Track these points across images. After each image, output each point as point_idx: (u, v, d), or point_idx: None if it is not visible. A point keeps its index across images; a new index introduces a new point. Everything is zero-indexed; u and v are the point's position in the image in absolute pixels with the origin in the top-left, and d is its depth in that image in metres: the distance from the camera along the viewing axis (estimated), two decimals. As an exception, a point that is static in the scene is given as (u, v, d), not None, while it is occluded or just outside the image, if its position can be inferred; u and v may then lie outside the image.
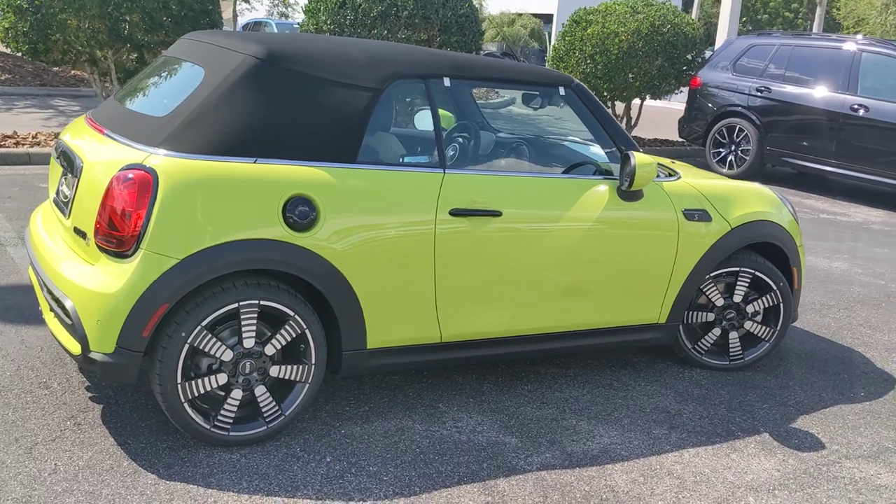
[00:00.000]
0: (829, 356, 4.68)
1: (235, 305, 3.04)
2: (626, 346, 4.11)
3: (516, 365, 4.14)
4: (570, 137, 4.23)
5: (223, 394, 3.13)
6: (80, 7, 8.14)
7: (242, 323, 3.08)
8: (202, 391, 3.07)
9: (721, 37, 14.31)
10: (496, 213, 3.46)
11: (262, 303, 3.08)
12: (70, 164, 3.36)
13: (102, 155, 3.15)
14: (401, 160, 3.39)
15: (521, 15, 33.72)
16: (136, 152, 3.03)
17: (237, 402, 3.14)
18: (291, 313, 3.14)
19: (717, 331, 4.30)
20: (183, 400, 3.03)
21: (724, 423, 3.73)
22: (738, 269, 4.21)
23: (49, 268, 3.23)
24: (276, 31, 24.44)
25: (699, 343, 4.30)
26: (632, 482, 3.16)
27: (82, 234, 3.11)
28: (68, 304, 3.00)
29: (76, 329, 2.98)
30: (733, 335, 4.31)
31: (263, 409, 3.18)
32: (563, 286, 3.70)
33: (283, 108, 3.17)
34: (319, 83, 3.24)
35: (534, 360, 4.21)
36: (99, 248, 3.00)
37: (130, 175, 2.94)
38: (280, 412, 3.22)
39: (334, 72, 3.28)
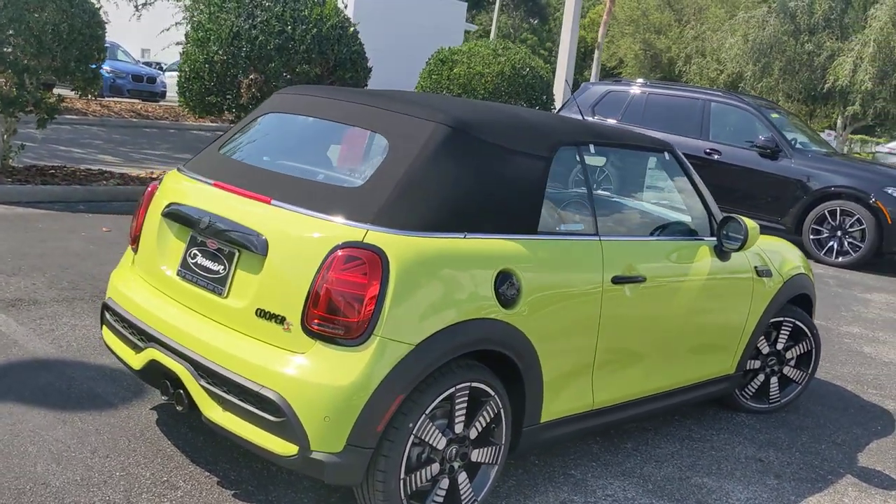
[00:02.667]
0: (824, 391, 5.15)
1: (453, 390, 2.84)
2: (704, 399, 4.29)
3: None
4: (654, 199, 4.38)
5: (431, 485, 2.90)
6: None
7: (456, 407, 2.88)
8: (419, 484, 2.83)
9: (559, 82, 15.16)
10: (643, 279, 3.51)
11: (473, 384, 2.90)
12: (217, 235, 2.97)
13: (294, 230, 2.81)
14: (559, 228, 3.34)
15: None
16: (345, 229, 2.74)
17: (444, 492, 2.93)
18: (492, 393, 2.98)
19: (761, 376, 4.60)
20: (403, 496, 2.78)
21: (808, 468, 4.01)
22: (782, 319, 4.55)
23: (217, 353, 2.82)
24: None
25: (746, 389, 4.59)
26: (797, 536, 3.33)
27: (275, 318, 2.76)
28: (276, 399, 2.65)
29: (291, 427, 2.63)
30: (773, 380, 4.64)
31: (463, 497, 2.99)
32: (684, 345, 3.82)
33: (479, 179, 3.02)
34: (504, 152, 3.12)
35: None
36: (312, 334, 2.68)
37: (357, 255, 2.67)
38: (474, 497, 3.03)
39: (513, 140, 3.18)
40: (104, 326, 3.46)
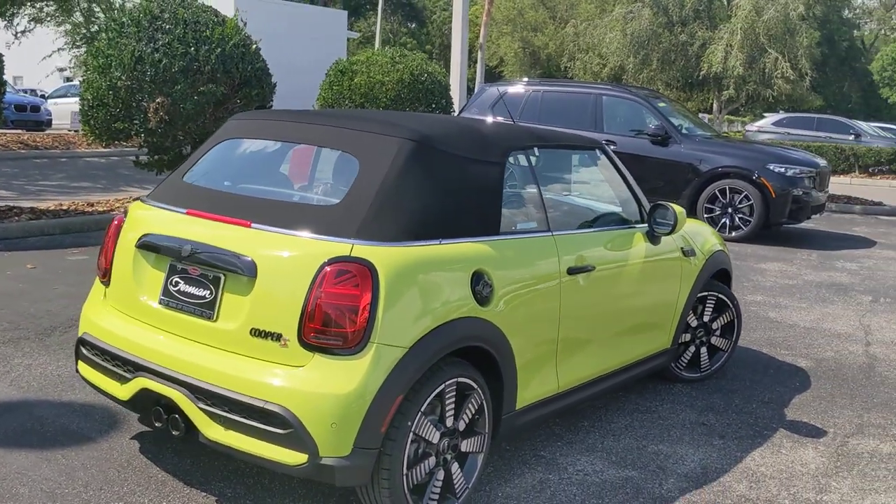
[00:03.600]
0: (745, 356, 5.61)
1: (443, 386, 3.05)
2: (648, 373, 4.63)
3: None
4: (591, 194, 4.69)
5: (428, 477, 3.10)
6: None
7: (446, 402, 3.09)
8: (419, 478, 3.03)
9: (454, 85, 15.48)
10: (592, 268, 3.80)
11: (459, 379, 3.12)
12: (201, 262, 3.07)
13: (280, 250, 2.95)
14: (517, 227, 3.59)
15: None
16: (331, 245, 2.91)
17: (440, 483, 3.13)
18: (475, 386, 3.20)
19: (692, 348, 5.00)
20: (406, 491, 2.96)
21: (746, 427, 4.40)
22: (707, 293, 4.96)
23: (215, 375, 2.93)
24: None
25: (679, 360, 4.97)
26: (749, 488, 3.68)
27: (271, 336, 2.89)
28: (282, 412, 2.79)
29: (299, 437, 2.78)
30: (703, 350, 5.04)
31: (456, 485, 3.20)
32: (629, 325, 4.15)
33: (446, 187, 3.24)
34: (464, 161, 3.35)
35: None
36: (310, 347, 2.84)
37: (347, 269, 2.84)
38: (465, 485, 3.25)
39: (470, 149, 3.41)
40: (80, 361, 3.49)
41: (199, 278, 3.11)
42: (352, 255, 2.87)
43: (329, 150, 3.53)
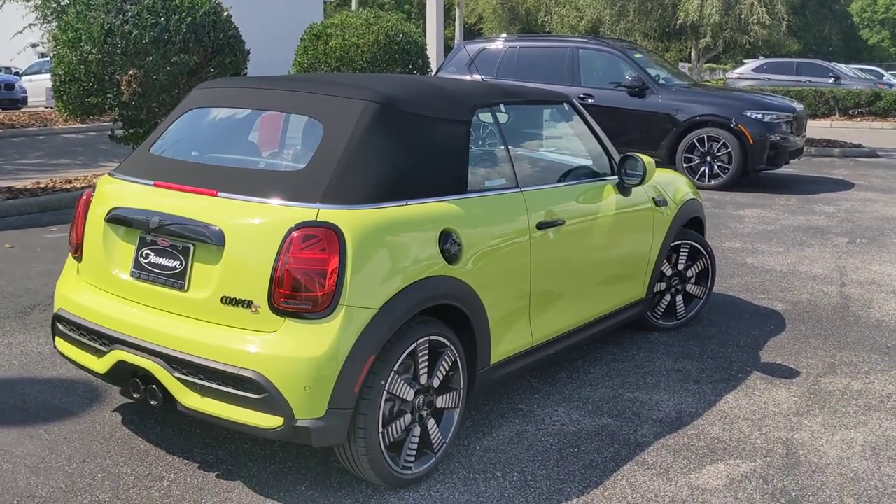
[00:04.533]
0: (721, 302, 5.69)
1: (414, 345, 3.09)
2: (623, 324, 4.69)
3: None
4: (560, 148, 4.70)
5: (405, 434, 3.16)
6: None
7: (419, 360, 3.14)
8: (395, 436, 3.09)
9: (430, 45, 15.37)
10: (562, 222, 3.84)
11: (431, 338, 3.17)
12: (170, 233, 3.10)
13: (247, 218, 2.97)
14: (485, 185, 3.61)
15: None
16: (297, 210, 2.93)
17: (417, 439, 3.19)
18: (448, 343, 3.25)
19: (667, 297, 5.06)
20: (383, 448, 3.03)
21: (720, 371, 4.49)
22: (680, 242, 5.01)
23: (189, 344, 2.97)
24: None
25: (655, 310, 5.04)
26: (722, 430, 3.77)
27: (242, 303, 2.93)
28: (256, 378, 2.84)
29: (273, 401, 2.83)
30: (678, 298, 5.11)
31: (433, 440, 3.26)
32: (603, 277, 4.20)
33: (411, 148, 3.25)
34: (429, 121, 3.36)
35: (542, 352, 4.63)
36: (280, 312, 2.87)
37: (314, 233, 2.86)
38: (443, 440, 3.31)
39: (435, 109, 3.42)
40: (57, 337, 3.52)
41: (168, 249, 3.13)
42: (318, 219, 2.90)
43: (295, 115, 3.54)
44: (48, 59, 26.19)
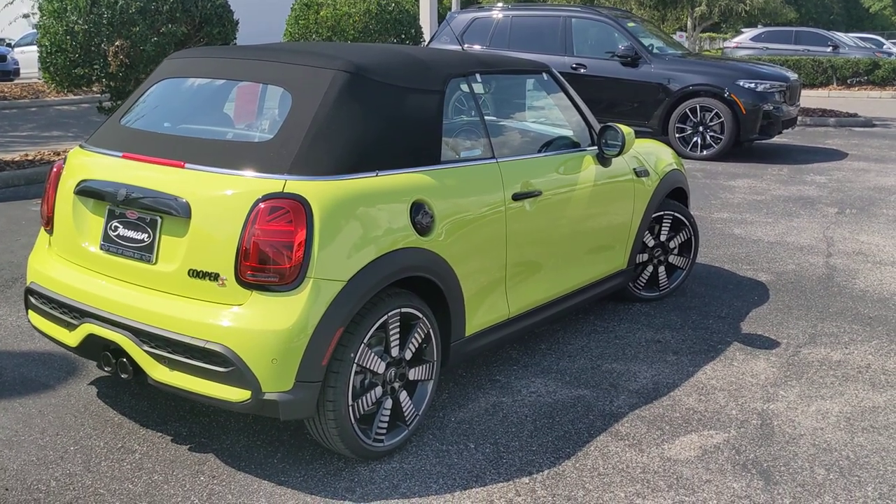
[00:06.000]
0: (705, 273, 5.67)
1: (385, 317, 3.08)
2: (604, 295, 4.68)
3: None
4: (538, 118, 4.66)
5: (376, 407, 3.16)
6: None
7: (390, 333, 3.13)
8: (366, 408, 3.08)
9: (424, 15, 15.22)
10: (539, 193, 3.81)
11: (402, 310, 3.15)
12: (137, 205, 3.07)
13: (214, 190, 2.95)
14: (459, 156, 3.58)
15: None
16: (263, 182, 2.90)
17: (388, 412, 3.19)
18: (420, 315, 3.24)
19: (650, 268, 5.05)
20: (353, 421, 3.02)
21: (700, 342, 4.48)
22: (662, 213, 4.98)
23: (157, 317, 2.96)
24: None
25: (637, 281, 5.03)
26: (698, 401, 3.77)
27: (209, 276, 2.91)
28: (222, 351, 2.83)
29: (241, 374, 2.82)
30: (661, 269, 5.10)
31: (405, 413, 3.26)
32: (582, 248, 4.18)
33: (382, 119, 3.22)
34: (401, 91, 3.32)
35: (523, 324, 4.62)
36: (247, 285, 2.86)
37: (280, 205, 2.84)
38: (415, 412, 3.31)
39: (407, 78, 3.37)
40: (30, 311, 3.51)
41: (136, 222, 3.11)
42: (284, 190, 2.87)
43: (267, 85, 3.50)
44: (40, 29, 25.97)
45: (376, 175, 3.11)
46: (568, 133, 4.34)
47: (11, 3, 16.70)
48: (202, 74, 3.58)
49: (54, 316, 3.35)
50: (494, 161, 3.65)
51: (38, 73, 21.10)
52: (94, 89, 10.02)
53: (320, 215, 2.87)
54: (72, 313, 3.25)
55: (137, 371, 3.07)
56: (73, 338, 3.24)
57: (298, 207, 2.85)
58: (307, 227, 2.85)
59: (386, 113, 3.24)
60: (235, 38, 9.79)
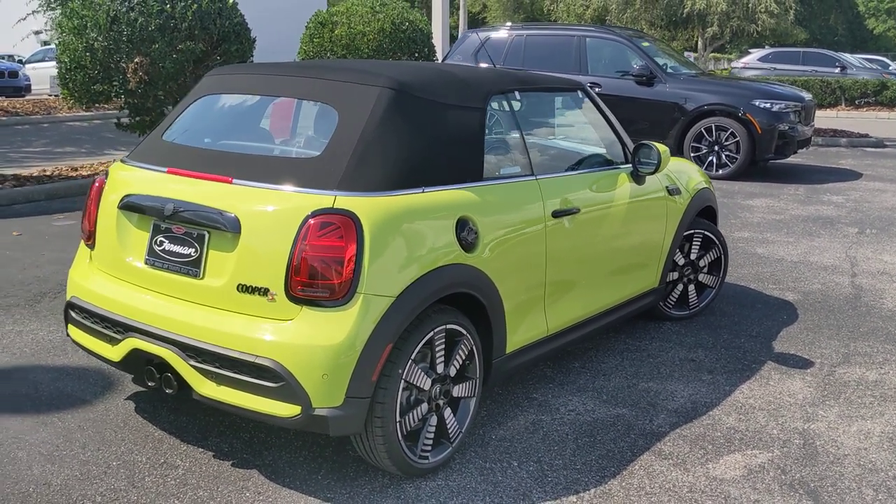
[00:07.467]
0: (732, 292, 5.66)
1: (431, 333, 3.07)
2: (636, 313, 4.66)
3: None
4: (574, 136, 4.67)
5: (421, 423, 3.14)
6: None
7: (436, 349, 3.12)
8: (412, 425, 3.07)
9: (436, 33, 15.31)
10: (577, 210, 3.81)
11: (448, 326, 3.14)
12: (184, 220, 3.07)
13: (263, 205, 2.94)
14: (500, 172, 3.58)
15: None
16: (313, 197, 2.90)
17: (434, 429, 3.17)
18: (464, 332, 3.23)
19: (680, 286, 5.03)
20: (400, 437, 3.01)
21: (734, 361, 4.46)
22: (693, 231, 4.98)
23: (205, 332, 2.95)
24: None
25: (668, 299, 5.01)
26: (738, 420, 3.74)
27: (258, 291, 2.90)
28: (273, 366, 2.81)
29: (291, 389, 2.81)
30: (691, 288, 5.08)
31: (449, 430, 3.24)
32: (616, 266, 4.17)
33: (426, 135, 3.22)
34: (444, 108, 3.33)
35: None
36: (297, 300, 2.85)
37: (331, 221, 2.83)
38: (459, 429, 3.29)
39: (450, 95, 3.38)
40: (70, 325, 3.50)
41: (183, 237, 3.11)
42: (335, 206, 2.87)
43: (308, 102, 3.51)
44: (51, 46, 26.16)
45: (422, 191, 3.11)
46: (602, 151, 4.35)
47: (24, 19, 16.85)
48: (244, 90, 3.59)
49: (96, 330, 3.34)
50: (534, 178, 3.65)
51: (49, 90, 21.26)
52: (109, 106, 10.01)
53: (370, 231, 2.87)
54: (115, 328, 3.24)
55: (182, 386, 3.06)
56: (115, 352, 3.23)
57: (349, 223, 2.84)
58: (357, 242, 2.84)
59: (430, 129, 3.24)
60: (252, 56, 9.83)
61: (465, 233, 3.18)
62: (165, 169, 3.27)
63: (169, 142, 3.46)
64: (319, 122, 3.51)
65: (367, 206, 2.90)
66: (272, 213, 2.93)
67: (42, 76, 22.42)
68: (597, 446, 3.46)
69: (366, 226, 2.86)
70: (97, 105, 9.57)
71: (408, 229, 2.99)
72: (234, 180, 3.05)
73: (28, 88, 21.95)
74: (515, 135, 3.71)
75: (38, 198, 8.05)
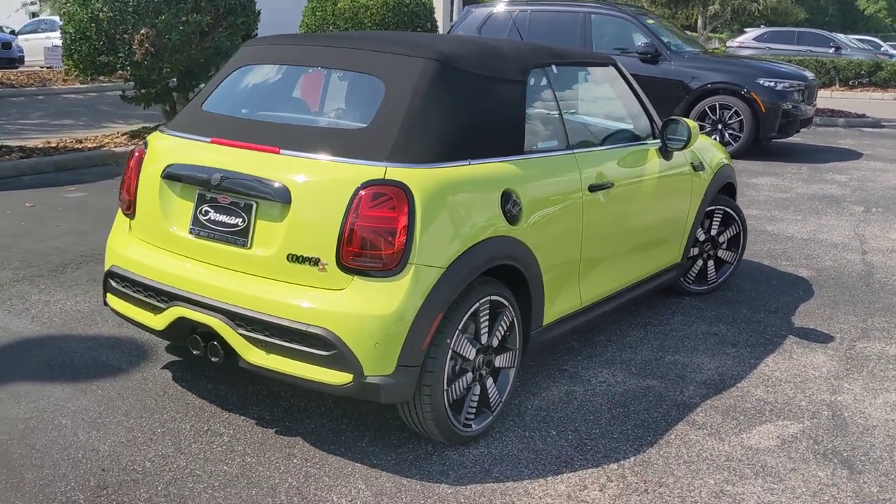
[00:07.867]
0: (747, 268, 5.72)
1: (477, 304, 3.11)
2: (660, 287, 4.71)
3: (572, 322, 4.55)
4: (605, 110, 4.69)
5: (465, 392, 3.18)
6: None
7: (480, 320, 3.16)
8: (458, 394, 3.11)
9: (438, 7, 15.23)
10: (611, 185, 3.84)
11: (492, 297, 3.18)
12: (232, 190, 3.08)
13: (313, 176, 2.96)
14: (539, 146, 3.60)
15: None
16: (364, 168, 2.92)
17: (477, 397, 3.22)
18: (506, 304, 3.27)
19: (699, 262, 5.09)
20: (447, 405, 3.05)
21: (756, 335, 4.53)
22: (714, 207, 5.02)
23: (255, 301, 2.97)
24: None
25: (688, 274, 5.07)
26: (766, 392, 3.81)
27: (308, 261, 2.93)
28: (325, 335, 2.84)
29: (343, 357, 2.84)
30: (710, 263, 5.14)
31: (491, 399, 3.29)
32: (644, 240, 4.22)
33: (471, 107, 3.24)
34: (486, 80, 3.34)
35: (579, 315, 4.64)
36: (349, 270, 2.88)
37: (383, 192, 2.86)
38: (499, 398, 3.34)
39: (492, 68, 3.40)
40: (109, 294, 3.51)
41: (230, 206, 3.12)
42: (386, 177, 2.89)
43: (349, 72, 3.51)
44: (42, 18, 25.84)
45: (469, 164, 3.13)
46: (631, 126, 4.37)
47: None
48: (283, 61, 3.59)
49: (138, 299, 3.35)
50: (571, 153, 3.68)
51: (43, 61, 21.01)
52: (106, 78, 9.84)
53: (421, 202, 2.89)
54: (159, 297, 3.25)
55: (229, 354, 3.08)
56: (159, 321, 3.25)
57: (400, 194, 2.87)
58: (409, 213, 2.87)
59: (475, 102, 3.26)
60: (257, 29, 9.77)
61: (510, 205, 3.20)
62: (209, 139, 3.27)
63: (210, 112, 3.46)
64: (362, 94, 3.51)
65: (417, 178, 2.92)
66: (322, 184, 2.94)
67: (35, 47, 22.16)
68: (631, 416, 3.52)
69: (417, 197, 2.89)
70: (100, 77, 9.48)
71: (456, 201, 3.02)
72: (282, 150, 3.07)
73: (21, 60, 21.71)
74: (553, 108, 3.73)
75: (46, 169, 8.00)
